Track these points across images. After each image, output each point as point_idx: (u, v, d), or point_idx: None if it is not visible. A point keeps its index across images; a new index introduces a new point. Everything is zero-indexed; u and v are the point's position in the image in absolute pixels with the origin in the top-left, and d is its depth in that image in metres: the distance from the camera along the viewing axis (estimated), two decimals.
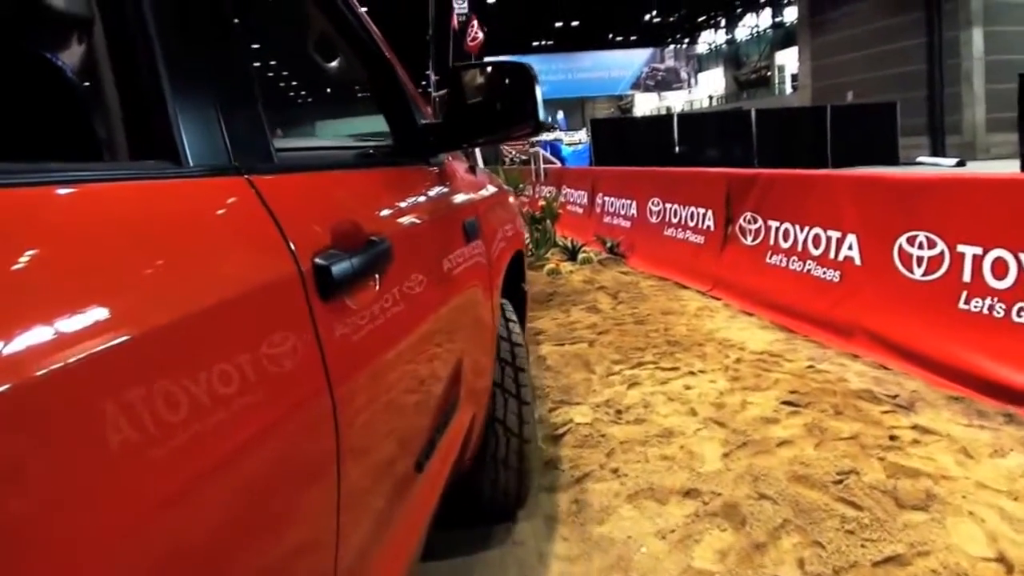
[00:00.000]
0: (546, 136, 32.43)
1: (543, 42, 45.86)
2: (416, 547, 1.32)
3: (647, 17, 42.83)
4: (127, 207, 0.67)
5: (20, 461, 0.46)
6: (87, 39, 0.97)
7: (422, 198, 1.64)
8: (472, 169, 2.39)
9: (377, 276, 1.09)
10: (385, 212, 1.36)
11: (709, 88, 47.61)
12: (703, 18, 46.65)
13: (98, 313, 0.54)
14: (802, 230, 4.75)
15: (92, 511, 0.50)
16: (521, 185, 6.39)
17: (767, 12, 44.33)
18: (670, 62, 43.55)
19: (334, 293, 0.91)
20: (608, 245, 7.07)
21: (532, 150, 11.04)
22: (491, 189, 2.52)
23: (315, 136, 3.91)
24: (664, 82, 43.62)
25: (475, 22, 12.70)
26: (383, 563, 1.10)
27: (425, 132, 1.72)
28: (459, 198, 1.94)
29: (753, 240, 5.29)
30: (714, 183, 5.90)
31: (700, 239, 6.04)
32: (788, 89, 40.88)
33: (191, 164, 0.79)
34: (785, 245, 4.91)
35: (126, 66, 0.83)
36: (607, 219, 8.05)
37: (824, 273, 4.49)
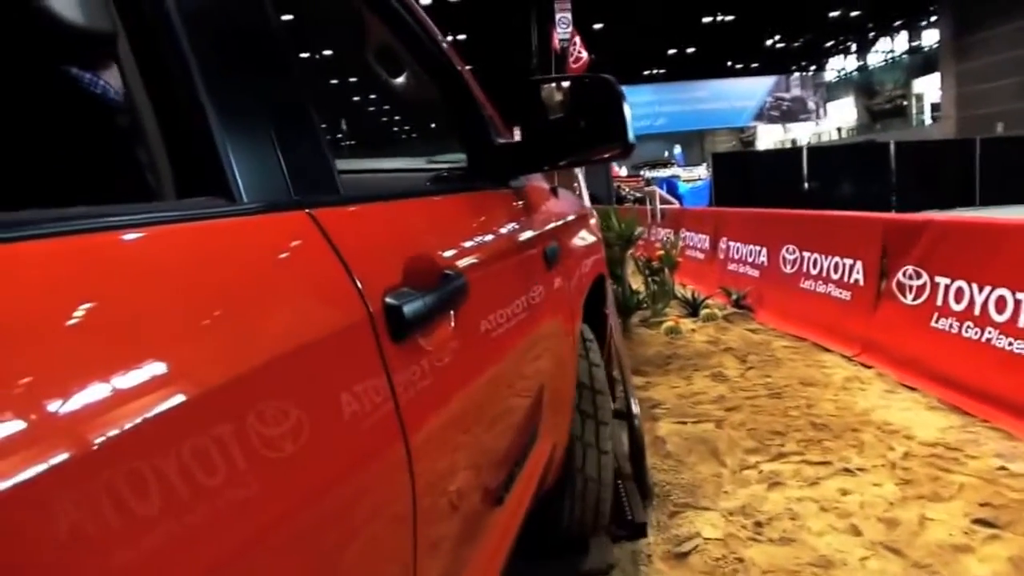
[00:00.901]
0: (662, 172, 31.90)
1: (655, 71, 44.82)
2: (500, 571, 1.30)
3: (769, 43, 41.17)
4: (176, 251, 0.63)
5: (81, 527, 0.43)
6: (120, 63, 0.83)
7: (500, 225, 1.57)
8: (554, 191, 2.24)
9: (452, 313, 1.05)
10: (461, 243, 1.29)
11: (838, 119, 45.26)
12: (831, 43, 44.51)
13: (153, 370, 0.52)
14: (982, 290, 3.93)
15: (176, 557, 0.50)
16: (640, 230, 5.75)
17: (903, 36, 41.83)
18: (796, 91, 41.54)
19: (407, 334, 0.88)
20: (734, 297, 6.34)
21: (648, 188, 10.36)
22: (573, 212, 2.40)
23: (383, 158, 3.79)
24: (790, 113, 41.60)
25: (577, 39, 11.91)
26: None
27: (503, 152, 1.64)
28: (540, 223, 1.83)
29: (915, 299, 4.47)
30: (866, 231, 5.11)
31: (845, 294, 5.25)
32: (927, 120, 38.41)
33: (246, 200, 0.73)
34: (958, 307, 4.09)
35: (166, 92, 0.75)
36: (732, 267, 7.31)
37: (1012, 345, 3.66)
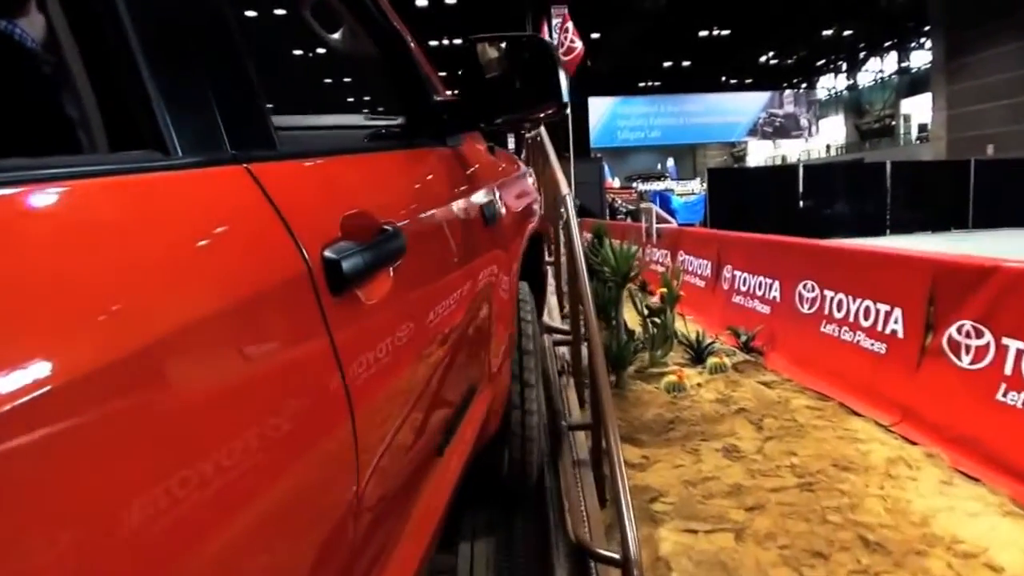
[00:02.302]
0: (655, 185, 31.24)
1: (649, 83, 44.15)
2: (438, 525, 1.32)
3: (763, 59, 40.63)
4: (109, 206, 0.62)
5: (24, 469, 0.45)
6: (49, 12, 0.81)
7: (438, 182, 1.57)
8: (491, 149, 2.26)
9: (391, 267, 1.05)
10: (399, 199, 1.29)
11: (827, 137, 44.77)
12: (822, 61, 44.09)
13: (90, 326, 0.52)
14: None
15: (99, 515, 0.50)
16: (638, 261, 4.89)
17: (892, 56, 41.44)
18: (789, 107, 40.85)
19: (345, 287, 0.88)
20: (743, 339, 5.47)
21: (644, 205, 9.48)
22: (511, 171, 2.45)
23: (321, 114, 2.70)
24: (783, 129, 41.01)
25: (570, 26, 10.40)
26: (405, 542, 1.11)
27: (440, 110, 1.64)
28: (478, 181, 1.85)
29: (974, 362, 3.63)
30: (908, 272, 4.26)
31: (879, 347, 4.40)
32: (915, 139, 38.05)
33: (181, 154, 0.72)
34: None
35: (96, 43, 0.72)
36: (737, 299, 6.46)
37: None
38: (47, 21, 0.80)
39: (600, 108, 36.87)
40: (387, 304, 1.01)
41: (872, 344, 4.46)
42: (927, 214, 18.01)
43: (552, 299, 5.02)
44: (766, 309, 5.86)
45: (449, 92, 1.76)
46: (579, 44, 9.31)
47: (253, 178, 0.80)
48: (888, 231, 17.93)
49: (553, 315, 4.87)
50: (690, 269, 7.99)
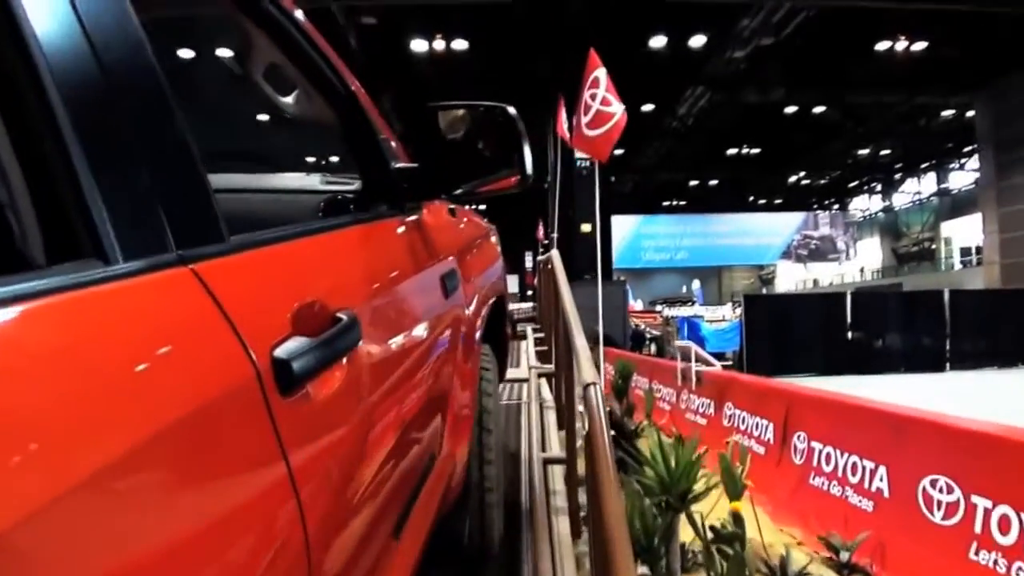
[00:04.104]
0: (683, 311, 29.67)
1: (674, 201, 43.30)
2: None
3: (793, 178, 39.73)
4: (41, 332, 0.59)
5: None
6: None
7: (396, 256, 1.52)
8: (452, 211, 2.18)
9: (345, 357, 1.01)
10: (354, 280, 1.25)
11: (862, 260, 43.27)
12: (856, 183, 43.15)
13: (28, 463, 0.51)
14: None
15: None
16: (704, 473, 3.24)
17: (931, 177, 40.36)
18: (825, 229, 39.12)
19: (296, 386, 0.85)
20: (843, 556, 3.72)
21: (681, 344, 7.80)
22: (472, 234, 2.38)
23: (278, 173, 2.20)
24: (819, 252, 39.13)
25: (605, 84, 6.01)
26: None
27: (399, 176, 1.58)
28: (437, 250, 1.79)
29: None
30: None
31: None
32: (956, 264, 36.46)
33: (121, 260, 0.67)
34: None
35: (22, 140, 0.65)
36: (818, 481, 4.76)
37: None
38: None
39: (624, 227, 35.58)
40: (339, 396, 0.98)
41: None
42: (990, 347, 16.23)
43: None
44: (867, 505, 4.15)
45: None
46: (620, 109, 5.78)
47: (199, 280, 0.77)
48: (948, 366, 16.11)
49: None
50: (743, 428, 6.30)
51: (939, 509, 3.57)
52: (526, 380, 5.30)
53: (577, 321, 2.95)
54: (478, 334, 2.10)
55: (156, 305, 0.71)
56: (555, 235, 12.56)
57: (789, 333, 15.97)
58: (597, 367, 2.47)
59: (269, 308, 0.90)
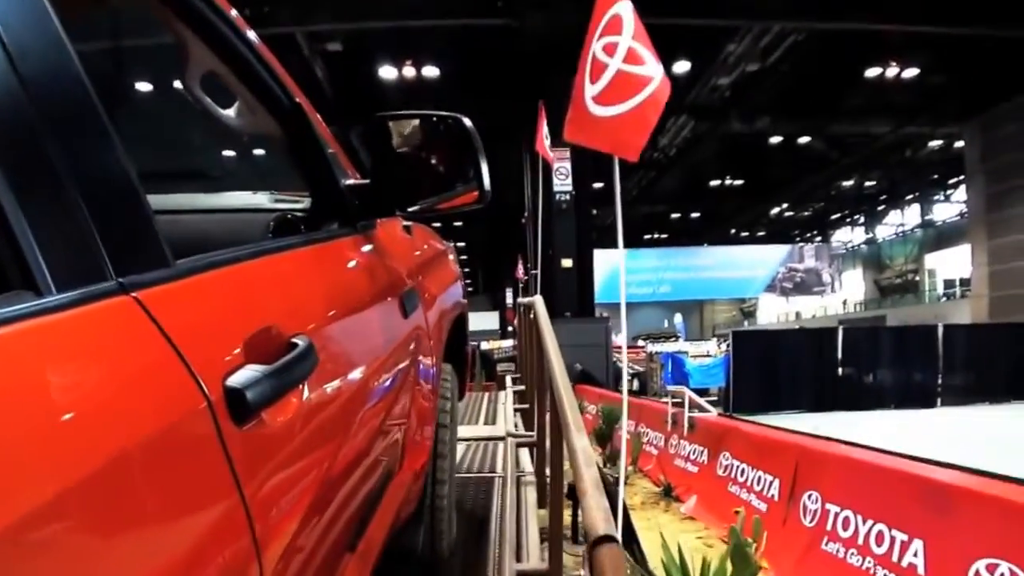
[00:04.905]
0: (667, 347, 28.93)
1: (656, 235, 42.88)
2: None
3: (775, 211, 39.48)
4: None
5: None
6: None
7: (351, 277, 1.49)
8: (407, 229, 2.13)
9: (301, 384, 0.99)
10: (308, 303, 1.21)
11: (844, 292, 42.98)
12: (838, 215, 43.03)
13: None
14: None
15: None
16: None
17: (914, 209, 40.25)
18: (810, 262, 38.86)
19: (250, 415, 0.83)
20: None
21: (675, 388, 7.14)
22: (429, 251, 2.32)
23: (224, 193, 1.91)
24: (804, 285, 38.77)
25: (633, 28, 3.68)
26: None
27: (350, 194, 1.54)
28: (394, 268, 1.76)
29: None
30: None
31: None
32: (941, 296, 36.24)
33: (56, 292, 0.64)
34: None
35: None
36: (833, 547, 4.10)
37: None
38: None
39: (606, 261, 35.26)
40: (295, 422, 0.95)
41: None
42: (982, 383, 15.78)
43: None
44: None
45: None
46: (651, 71, 3.40)
47: (143, 309, 0.73)
48: (939, 402, 15.64)
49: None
50: (740, 480, 5.63)
51: None
52: (502, 439, 4.63)
53: (560, 362, 2.34)
54: (438, 354, 2.06)
55: (95, 337, 0.67)
56: (536, 272, 11.94)
57: (777, 369, 15.39)
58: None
59: (219, 335, 0.87)
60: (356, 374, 1.29)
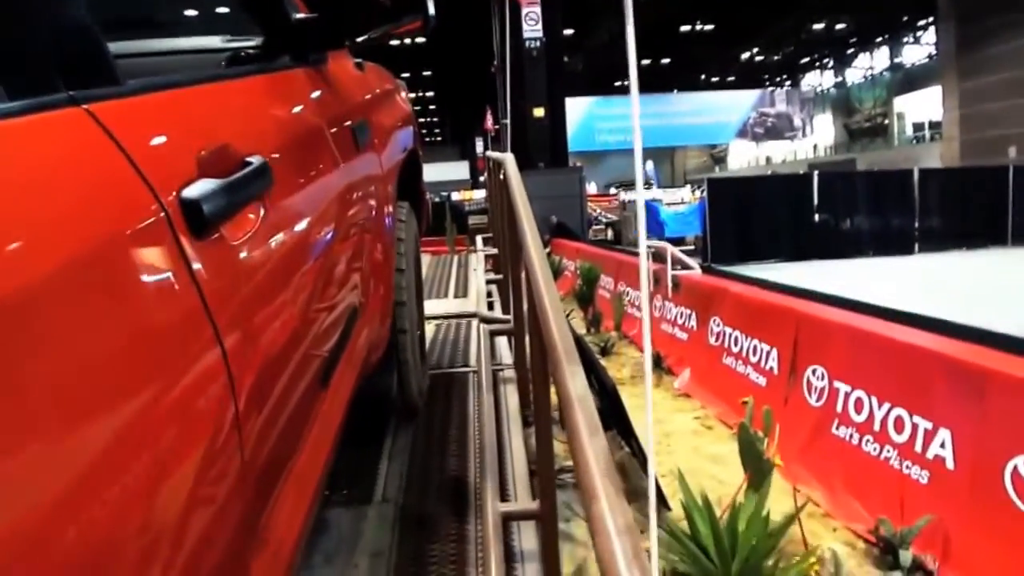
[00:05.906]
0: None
1: (625, 82, 41.36)
2: (329, 454, 1.30)
3: (745, 55, 38.08)
4: None
5: None
6: None
7: (302, 105, 1.52)
8: (360, 66, 2.14)
9: (257, 200, 1.01)
10: (261, 127, 1.22)
11: (815, 137, 42.38)
12: (808, 59, 41.73)
13: None
14: None
15: None
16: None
17: (883, 52, 39.11)
18: (781, 106, 37.98)
19: (208, 228, 0.83)
20: (894, 540, 2.79)
21: (659, 244, 6.66)
22: (380, 86, 2.33)
23: (174, 38, 1.89)
24: (775, 130, 37.99)
25: None
26: (293, 482, 1.07)
27: (300, 28, 1.56)
28: (345, 101, 1.80)
29: None
30: None
31: None
32: (910, 139, 35.85)
33: (7, 99, 0.64)
34: None
35: None
36: (843, 432, 3.80)
37: None
38: None
39: (577, 109, 33.83)
40: (255, 239, 0.97)
41: None
42: (959, 228, 15.65)
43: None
44: (922, 475, 3.18)
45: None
46: None
47: (96, 121, 0.73)
48: (917, 248, 15.54)
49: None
50: (735, 350, 5.31)
51: None
52: (473, 316, 4.18)
53: (533, 227, 1.89)
54: (391, 187, 2.08)
55: (48, 145, 0.67)
56: (506, 121, 11.23)
57: (754, 217, 15.09)
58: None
59: (173, 151, 0.87)
60: (312, 198, 1.30)
